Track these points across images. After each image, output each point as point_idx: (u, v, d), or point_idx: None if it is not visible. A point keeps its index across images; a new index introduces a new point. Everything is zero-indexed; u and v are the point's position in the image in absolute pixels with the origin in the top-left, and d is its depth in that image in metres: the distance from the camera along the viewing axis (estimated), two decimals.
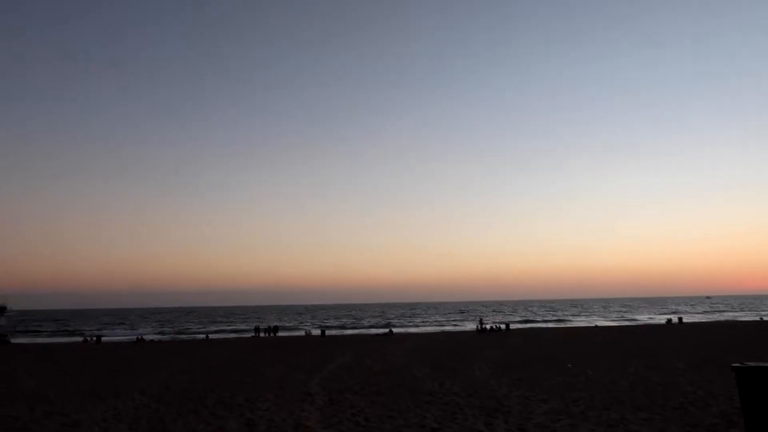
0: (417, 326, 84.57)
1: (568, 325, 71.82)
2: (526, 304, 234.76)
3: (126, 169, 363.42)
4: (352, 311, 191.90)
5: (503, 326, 54.95)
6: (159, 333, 75.71)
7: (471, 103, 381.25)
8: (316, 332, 60.62)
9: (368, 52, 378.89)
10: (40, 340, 66.64)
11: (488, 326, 54.75)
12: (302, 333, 65.27)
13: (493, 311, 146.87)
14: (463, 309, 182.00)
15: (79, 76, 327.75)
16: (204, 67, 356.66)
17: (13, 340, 59.25)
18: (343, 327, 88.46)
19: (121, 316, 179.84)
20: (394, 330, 62.38)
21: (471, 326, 71.55)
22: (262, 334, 61.47)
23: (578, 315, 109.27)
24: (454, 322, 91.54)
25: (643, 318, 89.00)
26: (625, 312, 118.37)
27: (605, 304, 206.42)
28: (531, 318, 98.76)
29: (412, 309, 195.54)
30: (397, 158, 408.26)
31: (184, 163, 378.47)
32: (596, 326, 60.37)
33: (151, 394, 14.14)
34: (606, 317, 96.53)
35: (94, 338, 57.33)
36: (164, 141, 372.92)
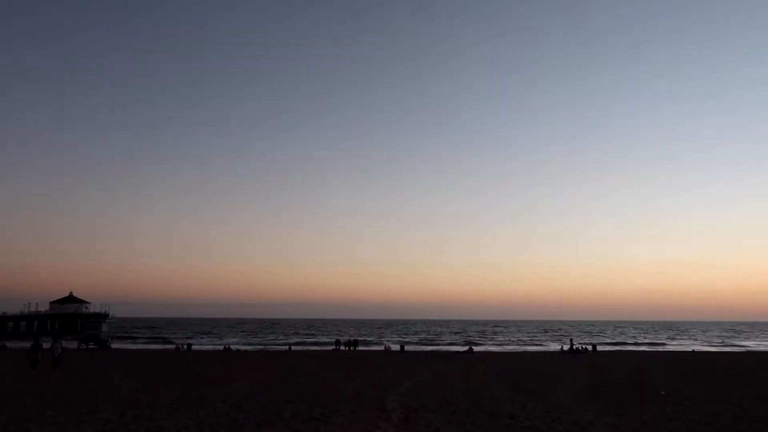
0: (498, 344, 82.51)
1: (663, 348, 67.55)
2: (616, 325, 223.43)
3: (221, 186, 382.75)
4: (432, 327, 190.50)
5: (590, 347, 52.36)
6: (245, 343, 78.31)
7: (557, 115, 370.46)
8: (395, 347, 60.43)
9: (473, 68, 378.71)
10: (136, 346, 70.83)
11: (575, 347, 52.37)
12: (381, 347, 65.39)
13: (580, 331, 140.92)
14: (547, 328, 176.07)
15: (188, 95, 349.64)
16: (293, 85, 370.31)
17: (113, 346, 63.30)
18: (422, 342, 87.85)
19: (210, 325, 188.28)
20: (475, 348, 61.05)
21: (555, 346, 68.88)
22: (342, 347, 62.10)
23: (674, 338, 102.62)
24: (537, 342, 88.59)
25: (750, 344, 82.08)
26: (728, 337, 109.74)
27: (705, 327, 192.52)
28: (621, 340, 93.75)
29: (494, 326, 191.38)
30: (478, 175, 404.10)
31: (274, 178, 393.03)
32: (693, 351, 56.33)
33: (231, 403, 14.45)
34: (706, 342, 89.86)
35: (185, 346, 60.12)
36: (251, 154, 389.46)
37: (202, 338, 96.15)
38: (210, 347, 66.07)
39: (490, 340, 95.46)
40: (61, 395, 15.57)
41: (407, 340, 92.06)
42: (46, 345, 24.99)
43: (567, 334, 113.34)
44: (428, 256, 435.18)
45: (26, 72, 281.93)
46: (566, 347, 55.07)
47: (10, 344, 59.25)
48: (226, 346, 63.52)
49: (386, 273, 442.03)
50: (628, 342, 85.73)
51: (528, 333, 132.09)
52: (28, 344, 54.27)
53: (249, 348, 64.64)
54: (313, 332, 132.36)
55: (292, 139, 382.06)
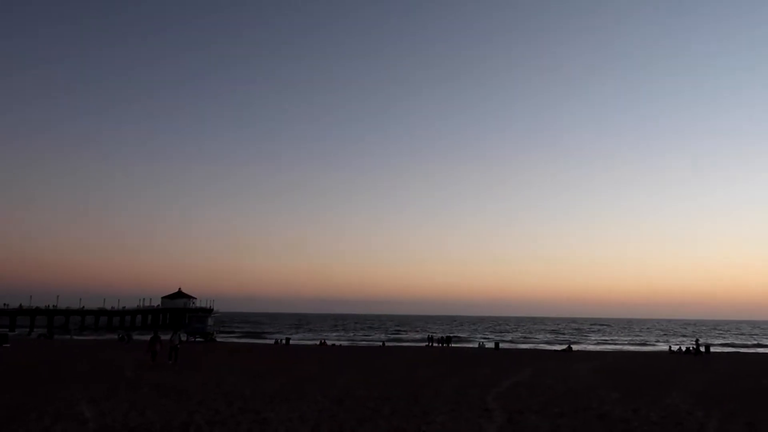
0: (598, 343, 78.87)
1: None
2: (719, 325, 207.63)
3: (320, 186, 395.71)
4: (526, 324, 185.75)
5: (702, 348, 48.65)
6: (339, 338, 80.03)
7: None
8: (490, 345, 59.32)
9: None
10: (239, 339, 74.39)
11: (688, 347, 48.92)
12: (475, 344, 64.46)
13: (677, 331, 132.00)
14: (646, 327, 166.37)
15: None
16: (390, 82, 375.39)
17: (218, 339, 66.81)
18: (516, 340, 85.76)
19: (305, 321, 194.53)
20: (573, 347, 58.62)
21: (662, 346, 64.81)
22: (435, 344, 61.83)
23: None
24: (642, 341, 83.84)
25: None
26: None
27: None
28: (732, 341, 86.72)
29: (592, 324, 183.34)
30: (571, 163, 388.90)
31: (371, 178, 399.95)
32: None
33: (332, 397, 14.62)
34: None
35: (284, 340, 62.33)
36: (346, 153, 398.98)
37: (300, 332, 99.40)
38: (307, 342, 68.08)
39: (589, 339, 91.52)
40: (175, 386, 16.47)
41: (501, 337, 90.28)
42: (164, 337, 26.49)
43: (669, 332, 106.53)
44: (524, 252, 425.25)
45: (131, 69, 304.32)
46: (675, 347, 51.61)
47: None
48: (322, 341, 65.19)
49: (479, 269, 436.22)
50: (748, 344, 79.06)
51: (630, 332, 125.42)
52: (143, 336, 58.31)
53: (344, 343, 65.97)
54: (405, 329, 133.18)
55: (379, 139, 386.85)
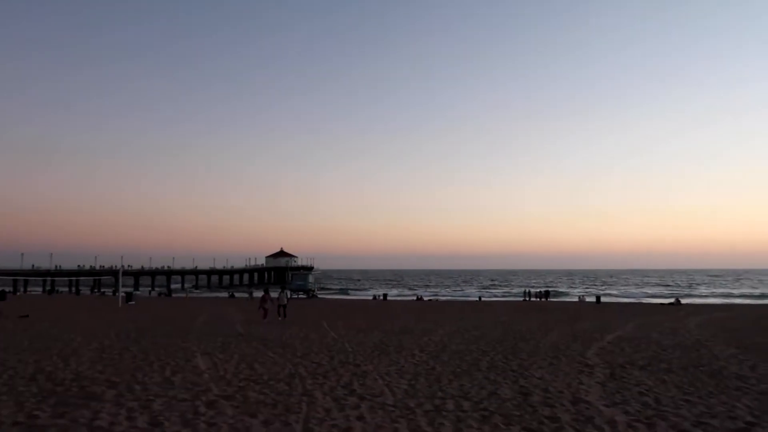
0: (709, 297, 74.32)
1: None
2: None
3: (409, 144, 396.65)
4: (627, 276, 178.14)
5: None
6: (435, 294, 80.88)
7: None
8: (590, 299, 57.56)
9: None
10: (338, 296, 77.23)
11: None
12: (574, 299, 62.82)
13: None
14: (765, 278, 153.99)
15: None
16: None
17: (319, 295, 69.74)
18: (618, 294, 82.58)
19: (402, 276, 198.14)
20: (682, 300, 55.55)
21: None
22: (532, 299, 60.93)
23: None
24: (759, 293, 77.97)
25: None
26: None
27: None
28: None
29: (703, 276, 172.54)
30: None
31: (487, 133, 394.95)
32: None
33: (429, 351, 14.85)
34: None
35: (381, 296, 63.96)
36: (436, 109, 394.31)
37: (396, 289, 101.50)
38: (404, 298, 69.44)
39: (699, 291, 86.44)
40: (281, 339, 17.41)
41: (603, 291, 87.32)
42: (273, 294, 27.34)
43: None
44: (627, 202, 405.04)
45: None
46: None
47: (237, 294, 68.49)
48: (419, 296, 66.19)
49: (578, 221, 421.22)
50: None
51: (745, 283, 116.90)
52: (248, 293, 61.84)
53: (440, 298, 66.63)
54: (501, 283, 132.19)
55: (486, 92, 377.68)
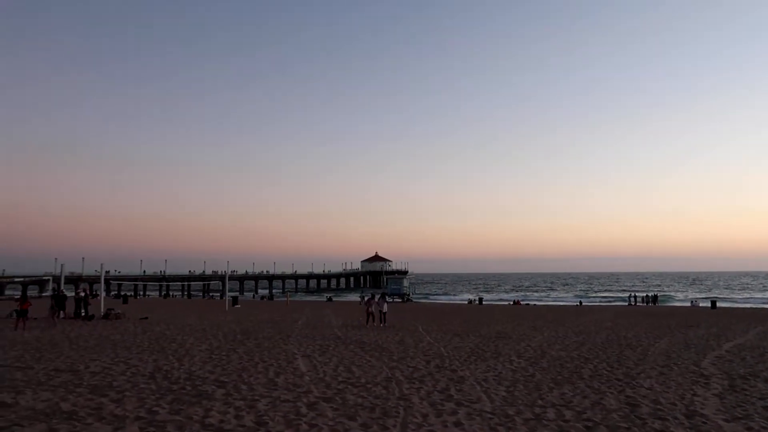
0: None
1: None
2: None
3: (508, 147, 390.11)
4: (746, 281, 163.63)
5: None
6: (532, 298, 78.58)
7: None
8: (705, 304, 53.46)
9: None
10: (433, 300, 77.07)
11: None
12: (686, 303, 58.63)
13: None
14: None
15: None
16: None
17: (414, 299, 69.97)
18: (737, 299, 76.11)
19: (496, 280, 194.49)
20: None
21: None
22: (639, 303, 57.64)
23: None
24: None
25: None
26: None
27: None
28: None
29: None
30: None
31: (565, 132, 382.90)
32: None
33: (527, 357, 14.45)
34: None
35: (477, 299, 63.12)
36: (522, 109, 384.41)
37: (491, 293, 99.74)
38: (500, 302, 68.08)
39: None
40: (377, 343, 17.64)
41: (717, 295, 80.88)
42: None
43: None
44: (734, 200, 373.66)
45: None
46: None
47: (334, 297, 70.23)
48: (516, 301, 64.66)
49: (693, 222, 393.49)
50: None
51: None
52: (346, 298, 62.97)
53: (538, 303, 64.66)
54: (602, 286, 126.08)
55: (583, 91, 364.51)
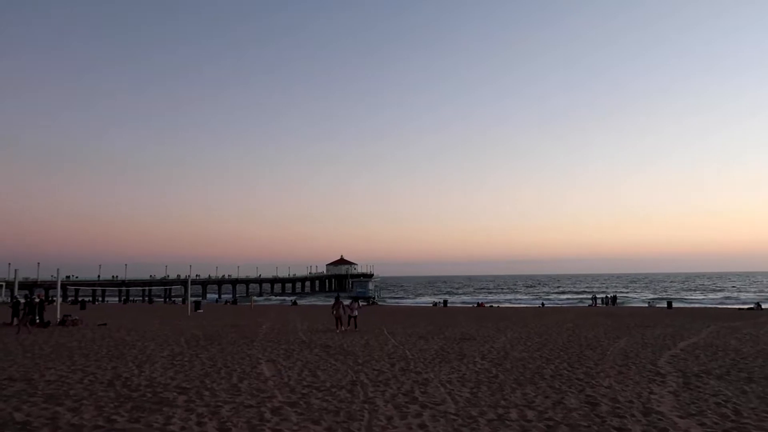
0: None
1: None
2: None
3: (470, 149, 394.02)
4: (701, 281, 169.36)
5: None
6: (496, 300, 79.61)
7: None
8: (661, 304, 55.13)
9: None
10: (398, 302, 77.28)
11: None
12: (643, 304, 60.34)
13: None
14: None
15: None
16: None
17: (379, 302, 70.04)
18: (693, 298, 78.72)
19: (460, 283, 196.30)
20: (763, 304, 52.29)
21: None
22: (599, 304, 59.01)
23: None
24: None
25: None
26: None
27: None
28: None
29: None
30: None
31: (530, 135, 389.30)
32: None
33: (491, 359, 14.64)
34: None
35: (441, 302, 63.53)
36: (490, 112, 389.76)
37: (455, 296, 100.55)
38: (464, 305, 68.72)
39: None
40: (342, 347, 17.60)
41: (674, 296, 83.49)
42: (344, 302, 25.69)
43: None
44: (691, 203, 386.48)
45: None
46: None
47: (299, 301, 69.74)
48: (480, 303, 65.37)
49: (646, 224, 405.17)
50: None
51: None
52: (312, 301, 62.63)
53: (502, 305, 65.52)
54: (565, 288, 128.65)
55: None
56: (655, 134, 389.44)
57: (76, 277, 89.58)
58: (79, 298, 69.96)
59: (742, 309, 45.78)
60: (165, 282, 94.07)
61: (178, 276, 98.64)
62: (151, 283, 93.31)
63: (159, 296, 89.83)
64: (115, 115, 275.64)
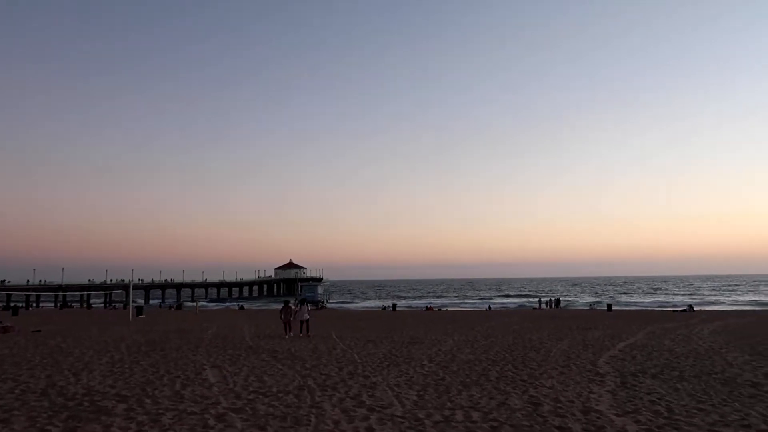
0: (723, 304, 73.52)
1: None
2: None
3: (420, 153, 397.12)
4: (639, 284, 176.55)
5: None
6: (445, 303, 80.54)
7: None
8: (602, 306, 57.11)
9: None
10: (347, 306, 77.11)
11: None
12: (585, 307, 62.34)
13: None
14: None
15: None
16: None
17: (329, 306, 69.66)
18: (630, 301, 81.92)
19: (410, 287, 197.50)
20: (696, 307, 54.99)
21: None
22: (544, 306, 60.57)
23: None
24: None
25: None
26: None
27: None
28: None
29: (716, 283, 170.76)
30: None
31: (470, 138, 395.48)
32: None
33: (438, 361, 14.79)
34: None
35: (391, 306, 63.77)
36: (438, 118, 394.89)
37: (405, 299, 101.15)
38: (413, 308, 69.22)
39: (712, 299, 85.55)
40: (290, 351, 17.41)
41: (614, 298, 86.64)
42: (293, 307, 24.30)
43: None
44: (639, 208, 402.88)
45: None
46: None
47: (247, 305, 68.54)
48: (428, 306, 65.98)
49: (588, 228, 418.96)
50: None
51: (760, 291, 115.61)
52: (256, 306, 61.62)
53: (450, 308, 66.35)
54: (510, 291, 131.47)
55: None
56: (580, 141, 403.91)
57: (8, 282, 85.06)
58: (12, 304, 66.48)
59: (676, 311, 48.01)
60: (105, 286, 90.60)
61: (122, 280, 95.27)
62: (90, 287, 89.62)
63: (99, 301, 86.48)
64: (45, 113, 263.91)
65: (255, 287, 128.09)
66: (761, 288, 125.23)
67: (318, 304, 65.71)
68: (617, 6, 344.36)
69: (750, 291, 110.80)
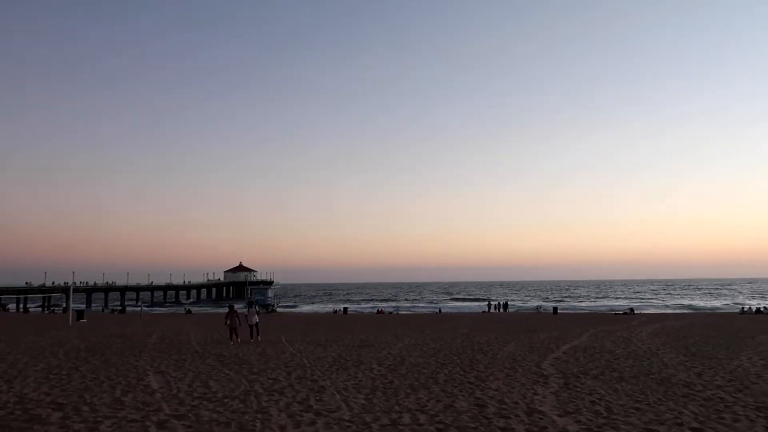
0: (659, 307, 76.69)
1: None
2: None
3: (375, 157, 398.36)
4: (583, 288, 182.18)
5: None
6: (396, 306, 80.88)
7: None
8: (548, 309, 58.59)
9: None
10: (298, 310, 76.38)
11: (755, 308, 46.90)
12: (533, 310, 63.82)
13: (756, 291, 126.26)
14: (719, 285, 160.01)
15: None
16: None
17: (279, 310, 68.83)
18: (576, 305, 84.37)
19: (363, 290, 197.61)
20: (636, 310, 57.14)
21: (733, 308, 62.20)
22: (493, 310, 61.64)
23: None
24: (705, 301, 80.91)
25: None
26: None
27: None
28: None
29: (656, 286, 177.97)
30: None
31: (430, 144, 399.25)
32: None
33: (387, 365, 14.83)
34: None
35: (342, 309, 63.58)
36: (415, 122, 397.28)
37: (356, 303, 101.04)
38: (365, 311, 69.21)
39: (653, 301, 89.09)
40: (237, 356, 17.09)
41: (558, 302, 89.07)
42: (241, 311, 24.23)
43: (744, 294, 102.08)
44: (589, 212, 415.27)
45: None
46: (746, 308, 49.54)
47: (195, 309, 66.93)
48: (380, 309, 66.11)
49: (540, 232, 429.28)
50: None
51: (698, 293, 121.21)
52: (204, 310, 60.26)
53: (400, 311, 66.66)
54: (461, 295, 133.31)
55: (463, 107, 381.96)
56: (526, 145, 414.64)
57: None
58: None
59: (617, 314, 49.74)
60: (44, 290, 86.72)
61: (65, 283, 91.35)
62: (27, 290, 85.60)
63: (37, 305, 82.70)
64: None
65: (203, 290, 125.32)
66: (702, 289, 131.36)
67: (268, 308, 64.78)
68: (618, 8, 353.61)
69: (693, 294, 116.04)
